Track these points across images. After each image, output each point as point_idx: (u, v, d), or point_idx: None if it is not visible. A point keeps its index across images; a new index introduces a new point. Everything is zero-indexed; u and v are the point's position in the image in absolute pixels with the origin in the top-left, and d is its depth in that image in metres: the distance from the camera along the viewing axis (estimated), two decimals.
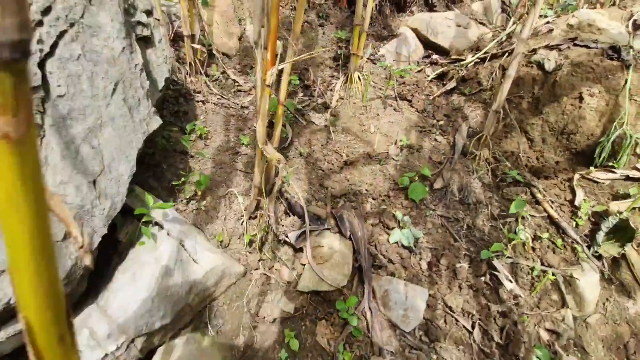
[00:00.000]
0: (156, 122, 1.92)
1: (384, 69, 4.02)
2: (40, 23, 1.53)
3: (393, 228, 2.61)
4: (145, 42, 2.12)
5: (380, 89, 3.80)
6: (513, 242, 2.58)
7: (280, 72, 2.02)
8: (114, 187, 1.70)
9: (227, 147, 2.81)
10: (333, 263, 2.28)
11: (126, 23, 1.88)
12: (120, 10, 1.81)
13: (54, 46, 1.57)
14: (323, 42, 4.24)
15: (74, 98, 1.61)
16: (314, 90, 3.66)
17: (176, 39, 3.25)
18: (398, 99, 3.71)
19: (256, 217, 2.41)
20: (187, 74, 3.10)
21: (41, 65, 1.53)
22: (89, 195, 1.62)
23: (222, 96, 3.16)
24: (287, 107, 3.08)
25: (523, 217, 2.70)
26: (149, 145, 2.37)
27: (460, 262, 2.54)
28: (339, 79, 3.85)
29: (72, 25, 1.62)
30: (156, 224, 2.01)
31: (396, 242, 2.55)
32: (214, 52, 3.29)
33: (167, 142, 2.47)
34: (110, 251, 2.00)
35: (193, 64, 3.10)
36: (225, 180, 2.61)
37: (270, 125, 2.42)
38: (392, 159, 3.25)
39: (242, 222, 2.46)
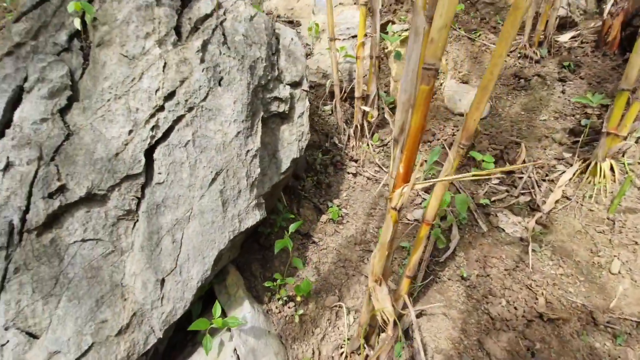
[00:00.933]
0: (253, 219, 1.57)
1: None
2: (161, 108, 1.44)
3: None
4: (281, 117, 1.82)
5: None
6: None
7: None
8: (179, 292, 1.44)
9: (360, 239, 2.20)
10: None
11: (254, 102, 1.61)
12: (248, 90, 1.56)
13: (167, 132, 1.45)
14: (557, 105, 2.91)
15: (171, 186, 1.45)
16: (519, 178, 2.49)
17: (348, 98, 2.92)
18: None
19: (360, 354, 1.69)
20: (349, 138, 2.71)
21: (150, 151, 1.44)
22: (153, 295, 1.41)
23: (380, 168, 2.57)
24: (457, 207, 2.14)
25: None
26: (266, 224, 2.08)
27: None
28: (569, 166, 2.49)
29: (190, 109, 1.47)
30: (228, 328, 1.65)
31: None
32: (387, 116, 2.74)
33: (292, 215, 2.12)
34: (188, 336, 1.80)
35: (359, 128, 2.67)
36: (342, 284, 2.01)
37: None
38: None
39: (343, 353, 1.79)
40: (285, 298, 1.89)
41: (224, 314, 1.74)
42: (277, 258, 2.04)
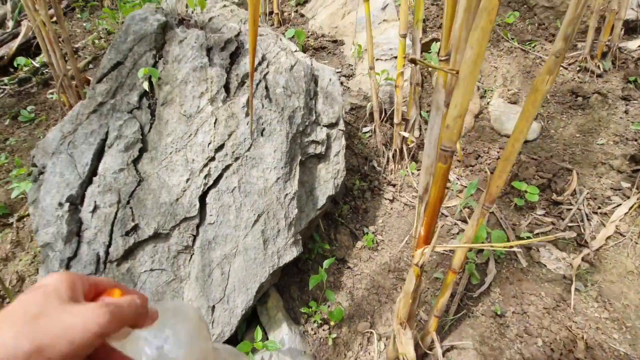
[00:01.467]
0: (290, 255, 1.74)
1: None
2: (212, 159, 1.66)
3: None
4: (318, 157, 1.96)
5: None
6: None
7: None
8: (227, 318, 1.67)
9: (394, 267, 2.29)
10: None
11: (292, 148, 1.77)
12: (287, 139, 1.72)
13: (217, 179, 1.67)
14: (618, 128, 2.69)
15: (220, 226, 1.68)
16: (568, 210, 2.38)
17: (389, 119, 2.96)
18: None
19: None
20: (388, 161, 2.77)
21: (203, 196, 1.67)
22: (205, 319, 1.66)
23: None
24: (492, 245, 2.13)
25: None
26: (305, 250, 2.26)
27: None
28: (626, 198, 2.32)
29: (236, 159, 1.67)
30: (267, 347, 1.87)
31: None
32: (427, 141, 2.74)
33: (328, 246, 2.27)
34: None
35: (398, 152, 2.72)
36: (374, 311, 2.13)
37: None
38: None
39: None
40: (320, 321, 2.07)
41: (264, 332, 1.96)
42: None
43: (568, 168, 2.58)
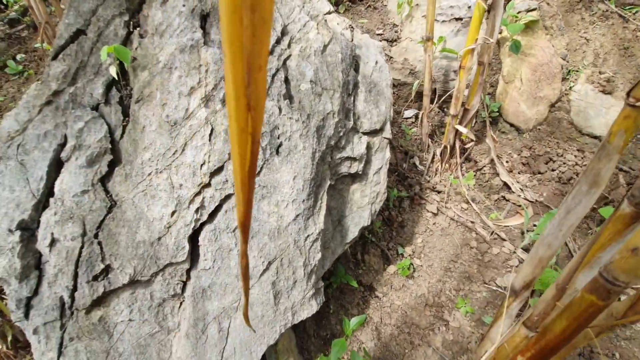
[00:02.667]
0: (308, 311, 1.33)
1: None
2: (207, 185, 1.18)
3: None
4: (352, 177, 1.45)
5: None
6: None
7: None
8: None
9: (433, 301, 1.88)
10: None
11: (319, 172, 1.26)
12: (312, 160, 1.21)
13: (214, 213, 1.21)
14: None
15: (218, 273, 1.26)
16: None
17: (439, 103, 2.34)
18: None
19: None
20: (433, 158, 2.21)
21: (194, 235, 1.23)
22: None
23: (469, 204, 2.09)
24: None
25: None
26: (327, 275, 1.85)
27: None
28: None
29: None
30: None
31: None
32: (489, 140, 2.15)
33: (354, 283, 1.84)
34: None
35: (448, 149, 2.15)
36: (404, 355, 1.77)
37: None
38: None
39: None
40: None
41: None
42: (334, 314, 1.84)
43: None
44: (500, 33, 2.40)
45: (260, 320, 1.30)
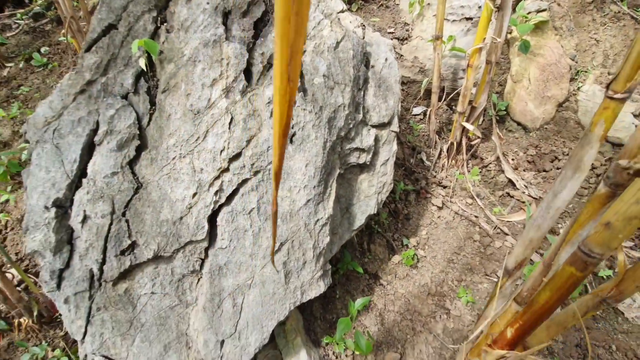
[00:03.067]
0: (316, 290, 1.43)
1: None
2: (226, 170, 1.28)
3: None
4: (360, 167, 1.53)
5: None
6: None
7: None
8: (237, 355, 1.43)
9: (435, 290, 1.95)
10: None
11: (330, 161, 1.35)
12: (323, 149, 1.30)
13: (231, 196, 1.31)
14: None
15: (234, 252, 1.36)
16: None
17: (447, 100, 2.40)
18: None
19: None
20: (440, 154, 2.28)
21: (213, 215, 1.33)
22: (213, 353, 1.43)
23: (474, 199, 2.16)
24: None
25: None
26: (333, 262, 1.94)
27: None
28: None
29: (256, 173, 1.28)
30: None
31: None
32: (495, 137, 2.21)
33: (360, 269, 1.93)
34: None
35: (455, 145, 2.22)
36: (406, 340, 1.85)
37: None
38: None
39: None
40: (344, 347, 1.81)
41: (279, 353, 1.74)
42: (340, 299, 1.93)
43: None
44: (510, 33, 2.45)
45: (272, 297, 1.40)
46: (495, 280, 1.94)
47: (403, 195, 2.17)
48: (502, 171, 2.20)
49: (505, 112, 2.38)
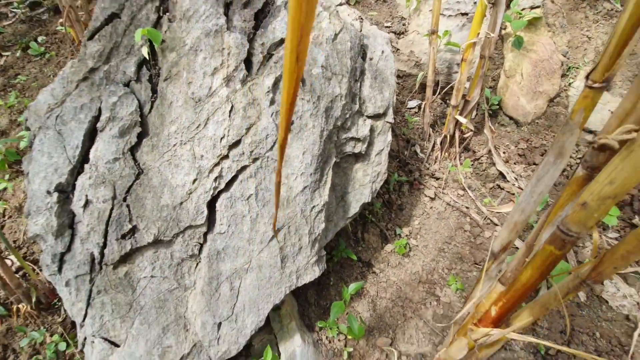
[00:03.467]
0: (311, 275, 1.48)
1: None
2: (226, 157, 1.32)
3: None
4: (356, 156, 1.58)
5: None
6: None
7: None
8: (234, 336, 1.48)
9: (426, 278, 2.02)
10: None
11: (326, 150, 1.40)
12: (320, 138, 1.34)
13: (230, 182, 1.35)
14: None
15: (232, 237, 1.40)
16: None
17: (441, 92, 2.45)
18: None
19: None
20: (433, 147, 2.33)
21: (212, 201, 1.37)
22: (210, 335, 1.48)
23: (465, 191, 2.22)
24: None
25: None
26: (328, 250, 1.99)
27: None
28: None
29: (255, 160, 1.32)
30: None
31: None
32: (487, 131, 2.26)
33: (354, 256, 1.98)
34: None
35: (448, 138, 2.27)
36: (397, 325, 1.92)
37: None
38: None
39: None
40: (337, 332, 1.87)
41: (274, 337, 1.79)
42: (333, 286, 1.99)
43: None
44: (504, 29, 2.49)
45: (268, 281, 1.45)
46: None
47: (397, 186, 2.22)
48: (494, 164, 2.26)
49: (498, 107, 2.44)
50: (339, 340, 1.88)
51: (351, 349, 1.83)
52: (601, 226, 2.03)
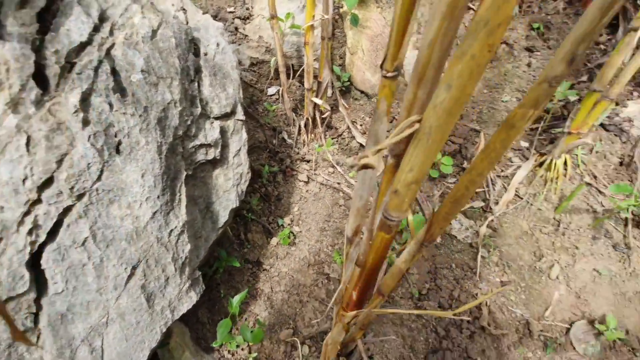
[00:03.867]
0: (188, 303, 1.35)
1: (624, 162, 2.34)
2: (38, 201, 1.05)
3: None
4: (212, 163, 1.47)
5: (603, 195, 2.25)
6: None
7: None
8: None
9: (314, 259, 2.09)
10: None
11: (172, 164, 1.24)
12: (159, 154, 1.18)
13: (54, 230, 1.09)
14: (521, 82, 2.72)
15: (74, 293, 1.16)
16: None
17: (299, 76, 2.48)
18: (635, 228, 2.11)
19: None
20: (299, 130, 2.37)
21: (35, 259, 1.09)
22: None
23: (335, 167, 2.34)
24: (414, 225, 2.05)
25: None
26: (210, 262, 1.87)
27: None
28: (526, 160, 2.43)
29: (80, 196, 1.09)
30: None
31: None
32: (342, 108, 2.39)
33: (237, 263, 1.90)
34: None
35: (310, 120, 2.33)
36: (296, 314, 1.96)
37: None
38: (573, 348, 1.93)
39: None
40: (236, 343, 1.81)
41: None
42: (225, 298, 1.90)
43: (476, 129, 2.57)
44: (341, 7, 2.61)
45: (137, 327, 1.27)
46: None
47: (271, 177, 2.20)
48: (354, 137, 2.42)
49: (349, 82, 2.59)
50: (242, 349, 1.82)
51: (256, 354, 1.80)
52: (441, 175, 2.40)
